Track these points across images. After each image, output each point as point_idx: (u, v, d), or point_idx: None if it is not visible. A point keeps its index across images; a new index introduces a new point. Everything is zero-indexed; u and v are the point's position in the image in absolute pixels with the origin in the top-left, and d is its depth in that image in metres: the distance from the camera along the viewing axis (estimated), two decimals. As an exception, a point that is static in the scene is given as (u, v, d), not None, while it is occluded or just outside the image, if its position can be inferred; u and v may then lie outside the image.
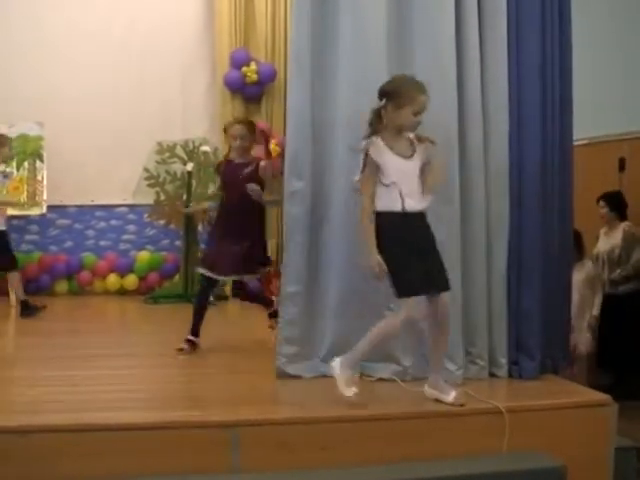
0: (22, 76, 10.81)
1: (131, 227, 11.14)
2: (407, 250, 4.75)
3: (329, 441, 4.73)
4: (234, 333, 7.68)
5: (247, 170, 6.67)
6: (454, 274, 5.27)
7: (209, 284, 6.78)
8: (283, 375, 5.62)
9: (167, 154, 10.68)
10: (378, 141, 4.81)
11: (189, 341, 6.57)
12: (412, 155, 4.87)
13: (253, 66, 11.00)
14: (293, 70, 5.72)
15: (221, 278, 6.90)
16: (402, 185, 4.77)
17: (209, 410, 5.09)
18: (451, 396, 4.88)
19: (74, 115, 10.81)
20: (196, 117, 11.05)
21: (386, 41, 5.48)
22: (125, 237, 11.35)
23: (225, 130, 7.31)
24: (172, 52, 11.28)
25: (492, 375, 5.50)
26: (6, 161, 8.20)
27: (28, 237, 10.96)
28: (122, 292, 10.90)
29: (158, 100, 11.03)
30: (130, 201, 10.07)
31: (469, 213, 5.54)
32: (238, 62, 11.08)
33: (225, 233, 6.71)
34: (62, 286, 10.93)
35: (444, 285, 4.86)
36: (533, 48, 5.60)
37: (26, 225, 10.70)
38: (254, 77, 10.96)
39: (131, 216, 11.07)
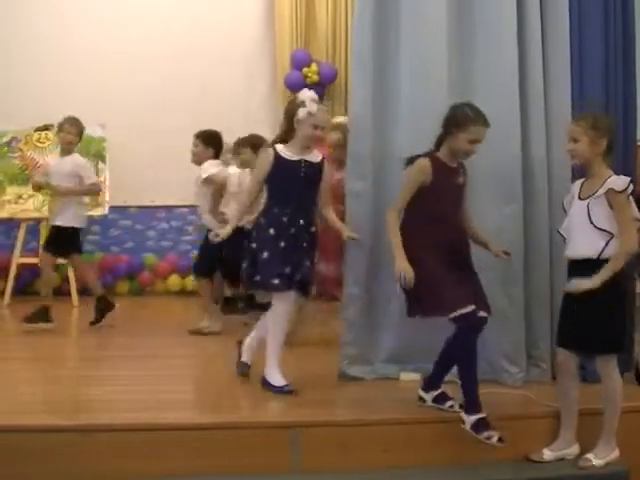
0: (86, 78, 10.91)
1: (191, 228, 11.19)
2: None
3: (390, 443, 4.73)
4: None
5: None
6: (517, 275, 5.24)
7: None
8: (345, 376, 5.61)
9: (228, 155, 10.68)
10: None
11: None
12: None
13: (314, 67, 11.00)
14: (355, 70, 5.73)
15: None
16: None
17: (270, 411, 5.10)
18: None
19: (136, 117, 10.89)
20: (257, 118, 11.04)
21: (447, 39, 5.46)
22: (186, 238, 11.41)
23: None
24: (233, 54, 11.31)
25: (555, 379, 5.44)
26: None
27: (90, 237, 11.05)
28: (183, 293, 10.95)
29: (219, 101, 11.04)
30: (190, 202, 10.07)
31: (532, 215, 5.50)
32: (299, 63, 11.10)
33: None
34: (123, 287, 11.01)
35: None
36: (596, 47, 5.54)
37: (88, 226, 10.77)
38: (315, 78, 10.96)
39: (192, 217, 11.10)
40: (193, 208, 10.46)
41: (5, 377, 6.06)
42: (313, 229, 5.39)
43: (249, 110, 11.23)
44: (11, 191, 10.45)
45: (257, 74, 11.51)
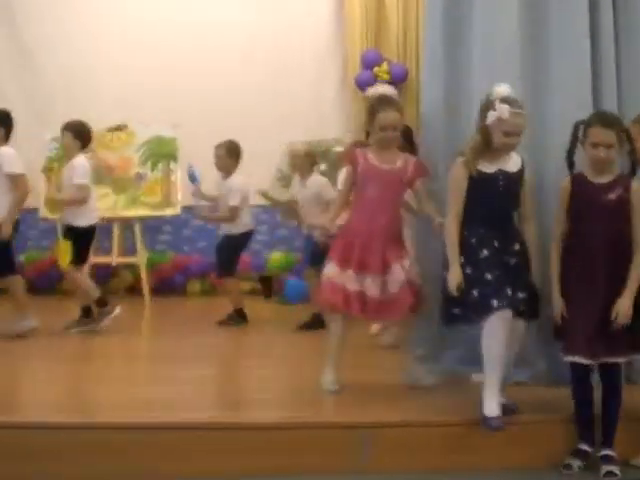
0: (157, 79, 11.01)
1: (263, 227, 11.17)
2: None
3: (461, 445, 4.68)
4: (358, 332, 7.61)
5: None
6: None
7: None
8: (412, 377, 5.57)
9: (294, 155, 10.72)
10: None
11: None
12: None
13: (384, 66, 10.95)
14: (426, 69, 5.70)
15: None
16: None
17: (338, 410, 5.08)
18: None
19: (208, 117, 10.94)
20: (328, 118, 11.05)
21: (519, 36, 5.37)
22: (257, 237, 11.40)
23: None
24: (303, 53, 11.32)
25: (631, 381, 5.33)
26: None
27: (162, 237, 11.15)
28: (254, 292, 10.98)
29: (290, 101, 11.06)
30: (263, 202, 10.10)
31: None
32: (369, 62, 11.06)
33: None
34: (195, 286, 11.06)
35: None
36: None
37: (160, 225, 10.86)
38: (386, 77, 10.90)
39: (263, 217, 11.11)
40: (264, 208, 10.51)
41: (82, 376, 6.17)
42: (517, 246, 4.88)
43: (320, 111, 11.23)
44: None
45: (327, 73, 11.51)
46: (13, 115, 9.69)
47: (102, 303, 7.91)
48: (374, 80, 10.90)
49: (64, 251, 7.80)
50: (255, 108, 11.09)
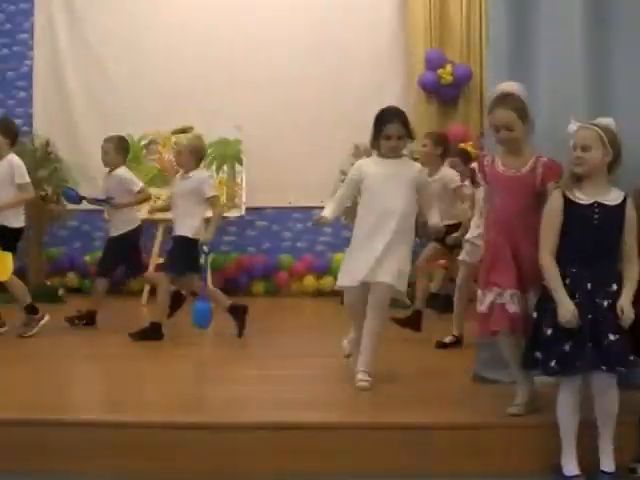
0: (222, 81, 11.13)
1: (327, 229, 11.20)
2: None
3: (523, 448, 4.67)
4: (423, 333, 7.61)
5: None
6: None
7: None
8: (480, 379, 5.56)
9: (364, 156, 10.71)
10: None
11: None
12: None
13: (448, 67, 10.90)
14: (491, 70, 5.67)
15: None
16: None
17: (401, 412, 5.08)
18: None
19: (272, 118, 11.00)
20: (392, 120, 11.05)
21: (582, 35, 5.31)
22: (322, 239, 11.46)
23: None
24: (367, 54, 11.35)
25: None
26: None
27: (227, 238, 11.23)
28: (318, 294, 11.02)
29: (353, 102, 11.05)
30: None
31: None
32: (433, 63, 11.02)
33: None
34: (259, 287, 11.14)
35: None
36: None
37: (225, 226, 10.93)
38: (449, 79, 10.86)
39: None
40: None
41: (151, 375, 6.29)
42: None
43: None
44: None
45: (391, 74, 11.48)
46: (80, 118, 9.94)
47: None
48: (437, 81, 10.87)
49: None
50: (318, 110, 11.13)
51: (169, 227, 10.33)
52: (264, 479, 4.60)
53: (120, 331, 7.62)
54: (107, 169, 8.43)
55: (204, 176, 7.97)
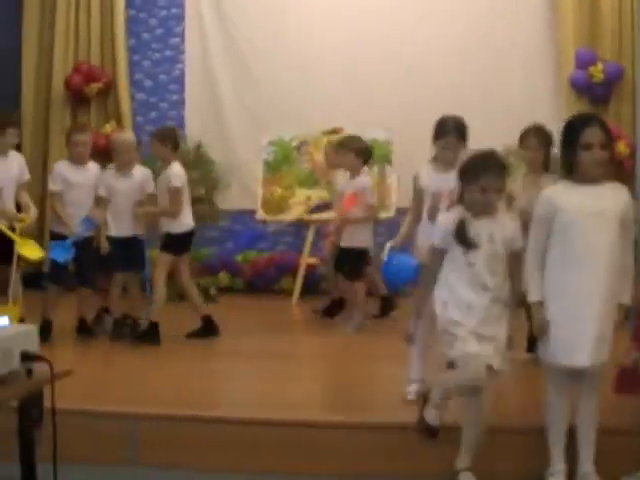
0: (370, 83, 11.19)
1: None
2: None
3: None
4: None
5: None
6: None
7: None
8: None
9: (510, 158, 10.68)
10: None
11: None
12: None
13: (599, 65, 10.74)
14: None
15: None
16: None
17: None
18: None
19: (420, 119, 10.95)
20: (542, 119, 10.89)
21: None
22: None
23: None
24: (514, 53, 11.25)
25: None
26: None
27: (376, 239, 11.27)
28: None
29: (502, 103, 11.01)
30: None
31: None
32: (583, 61, 10.86)
33: None
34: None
35: None
36: None
37: (375, 227, 10.98)
38: (600, 77, 10.70)
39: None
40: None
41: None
42: None
43: (532, 111, 11.07)
44: (300, 194, 10.82)
45: (540, 73, 11.33)
46: (230, 119, 10.05)
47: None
48: (588, 80, 10.73)
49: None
50: (467, 111, 11.01)
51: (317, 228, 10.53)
52: None
53: (272, 330, 7.80)
54: None
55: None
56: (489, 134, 10.61)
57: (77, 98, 11.79)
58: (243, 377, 6.75)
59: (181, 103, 12.02)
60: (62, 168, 8.06)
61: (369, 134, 10.59)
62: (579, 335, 4.49)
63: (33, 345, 3.03)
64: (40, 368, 3.04)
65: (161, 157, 8.14)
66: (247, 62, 11.84)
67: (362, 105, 10.88)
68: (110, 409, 5.33)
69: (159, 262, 8.00)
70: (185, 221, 8.08)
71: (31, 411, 2.99)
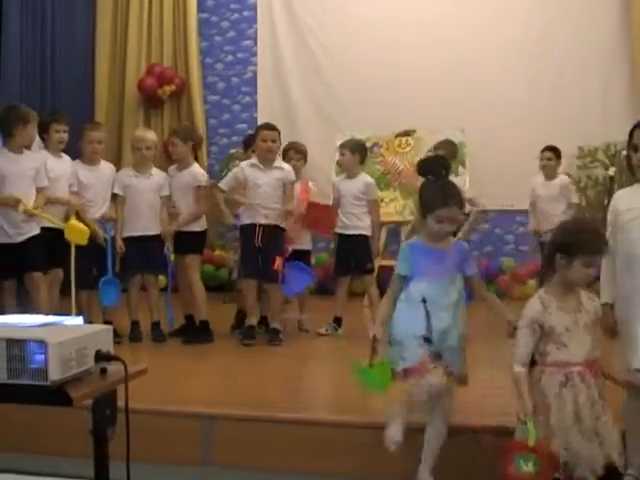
0: (444, 84, 11.18)
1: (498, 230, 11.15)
2: None
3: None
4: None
5: None
6: None
7: None
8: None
9: (588, 159, 10.55)
10: None
11: None
12: None
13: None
14: None
15: None
16: None
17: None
18: None
19: (493, 120, 10.94)
20: (617, 120, 10.74)
21: None
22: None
23: None
24: (590, 54, 11.21)
25: None
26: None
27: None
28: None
29: (577, 103, 10.96)
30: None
31: None
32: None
33: None
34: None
35: None
36: None
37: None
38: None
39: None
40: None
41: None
42: None
43: (605, 117, 10.96)
44: (373, 195, 10.76)
45: (616, 74, 11.27)
46: (302, 121, 10.02)
47: None
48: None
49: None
50: (541, 111, 11.00)
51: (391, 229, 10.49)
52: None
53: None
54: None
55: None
56: (563, 136, 10.57)
57: (150, 101, 11.88)
58: (317, 378, 6.71)
59: (253, 105, 12.10)
60: (75, 167, 7.68)
61: (444, 134, 10.53)
62: None
63: (107, 345, 3.01)
64: (114, 367, 3.03)
65: (181, 157, 8.03)
66: (319, 64, 11.90)
67: (435, 107, 10.82)
68: (183, 409, 5.31)
69: (194, 264, 7.98)
70: (203, 218, 8.11)
71: (105, 410, 2.97)
